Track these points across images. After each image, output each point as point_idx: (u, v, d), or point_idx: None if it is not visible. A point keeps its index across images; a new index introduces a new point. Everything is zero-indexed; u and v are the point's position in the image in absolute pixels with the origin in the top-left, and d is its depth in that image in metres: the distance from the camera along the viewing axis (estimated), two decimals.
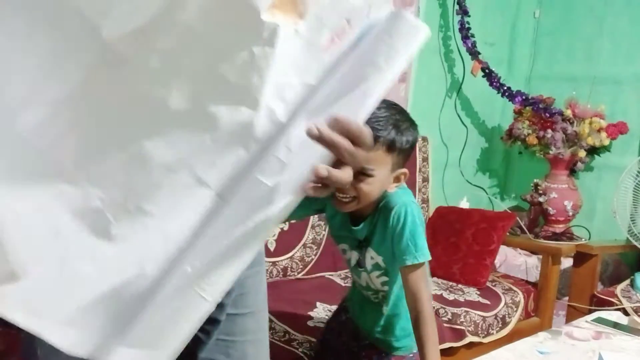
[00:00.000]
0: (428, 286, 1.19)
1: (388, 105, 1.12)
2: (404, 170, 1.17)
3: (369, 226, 1.21)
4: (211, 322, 0.84)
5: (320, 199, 1.20)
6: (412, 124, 1.14)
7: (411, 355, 1.31)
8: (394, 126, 1.09)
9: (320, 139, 0.52)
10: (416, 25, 0.54)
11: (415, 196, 2.54)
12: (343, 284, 2.02)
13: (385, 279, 1.27)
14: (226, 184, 0.55)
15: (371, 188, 1.11)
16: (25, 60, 0.48)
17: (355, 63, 0.55)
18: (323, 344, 1.48)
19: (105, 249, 0.53)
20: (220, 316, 0.84)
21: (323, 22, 0.54)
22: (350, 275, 1.40)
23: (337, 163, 0.55)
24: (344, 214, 1.23)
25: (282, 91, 0.54)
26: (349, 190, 1.10)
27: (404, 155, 1.14)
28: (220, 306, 0.82)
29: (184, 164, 0.53)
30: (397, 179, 1.16)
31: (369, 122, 1.02)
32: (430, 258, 1.16)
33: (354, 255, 1.29)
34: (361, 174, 1.08)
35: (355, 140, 0.54)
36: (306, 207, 1.27)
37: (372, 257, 1.25)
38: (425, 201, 2.61)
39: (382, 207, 1.18)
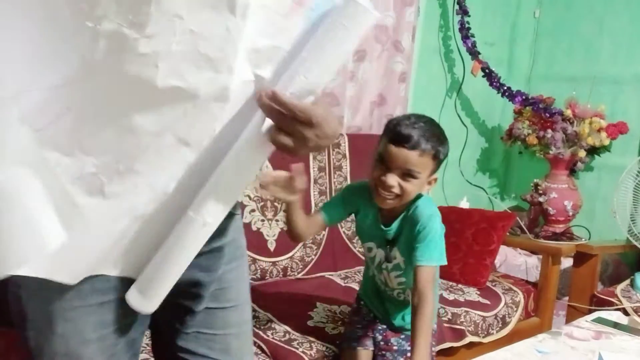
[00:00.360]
0: (435, 289, 1.36)
1: (429, 119, 1.33)
2: (436, 175, 1.36)
3: (398, 227, 1.38)
4: (186, 312, 0.86)
5: (353, 203, 1.44)
6: (446, 139, 1.32)
7: None
8: (437, 138, 1.28)
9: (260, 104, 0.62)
10: (368, 10, 0.62)
11: None
12: (343, 284, 2.02)
13: (402, 279, 1.43)
14: (204, 141, 0.63)
15: (414, 188, 1.29)
16: (23, 51, 0.54)
17: (316, 43, 0.62)
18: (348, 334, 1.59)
19: (101, 204, 0.62)
20: (196, 307, 0.86)
21: None
22: (351, 275, 1.50)
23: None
24: (375, 215, 1.40)
25: (251, 55, 0.61)
26: (394, 189, 1.26)
27: (439, 164, 1.33)
28: (197, 297, 0.85)
29: (168, 128, 0.61)
30: (429, 183, 1.35)
31: (418, 133, 1.23)
32: (440, 264, 1.33)
33: (379, 253, 1.43)
34: (409, 175, 1.26)
35: (297, 117, 0.62)
36: (341, 211, 1.45)
37: (395, 256, 1.40)
38: None
39: (411, 215, 1.35)
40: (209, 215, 0.66)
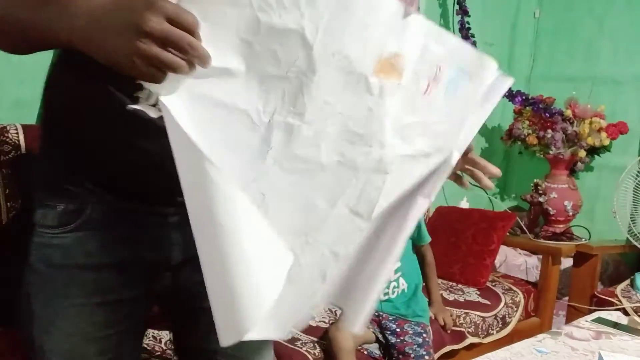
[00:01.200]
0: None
1: None
2: None
3: None
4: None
5: None
6: None
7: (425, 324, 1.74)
8: None
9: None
10: (503, 78, 0.76)
11: None
12: None
13: (397, 264, 1.70)
14: (373, 211, 0.74)
15: None
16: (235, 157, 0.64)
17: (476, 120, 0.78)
18: None
19: (298, 272, 0.72)
20: None
21: (419, 73, 0.70)
22: None
23: None
24: None
25: (399, 130, 0.71)
26: None
27: None
28: None
29: (340, 201, 0.71)
30: None
31: None
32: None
33: None
34: None
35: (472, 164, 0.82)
36: None
37: None
38: None
39: None
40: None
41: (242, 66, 0.61)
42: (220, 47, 0.58)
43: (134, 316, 0.82)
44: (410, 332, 1.67)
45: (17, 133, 1.45)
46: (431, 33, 0.69)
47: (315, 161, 0.68)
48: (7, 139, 1.43)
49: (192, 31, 0.54)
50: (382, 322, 1.70)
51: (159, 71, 0.54)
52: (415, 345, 1.63)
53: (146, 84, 0.57)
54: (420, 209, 0.78)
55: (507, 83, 0.77)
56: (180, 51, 0.53)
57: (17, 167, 1.41)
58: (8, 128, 1.44)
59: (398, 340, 1.65)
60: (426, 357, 1.62)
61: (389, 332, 1.68)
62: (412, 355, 1.61)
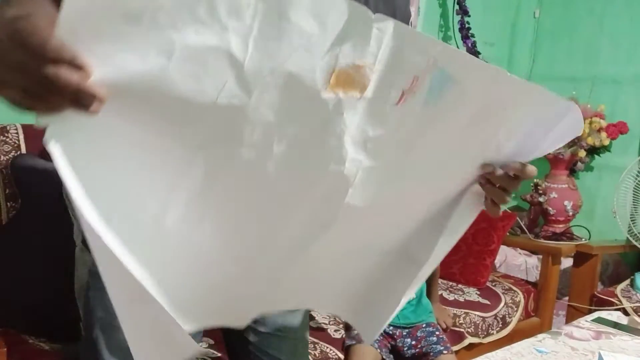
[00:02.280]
0: None
1: None
2: None
3: None
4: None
5: None
6: None
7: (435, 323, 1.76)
8: None
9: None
10: (572, 115, 0.71)
11: None
12: None
13: None
14: (334, 215, 0.68)
15: None
16: (158, 176, 0.58)
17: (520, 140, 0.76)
18: None
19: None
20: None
21: (390, 84, 0.59)
22: None
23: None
24: None
25: (362, 144, 0.63)
26: None
27: None
28: None
29: (303, 222, 0.67)
30: None
31: None
32: None
33: None
34: None
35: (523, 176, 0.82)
36: None
37: None
38: None
39: None
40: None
41: (156, 98, 0.50)
42: (125, 78, 0.47)
43: None
44: (425, 336, 1.69)
45: (17, 133, 1.45)
46: (408, 39, 0.58)
47: (260, 178, 0.61)
48: (7, 139, 1.43)
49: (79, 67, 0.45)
50: (398, 339, 1.70)
51: (39, 102, 0.46)
52: (432, 345, 1.66)
53: (39, 120, 0.46)
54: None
55: (575, 112, 0.72)
56: (67, 90, 0.45)
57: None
58: (8, 128, 1.44)
59: (416, 350, 1.68)
60: (444, 352, 1.64)
61: (406, 348, 1.69)
62: (432, 353, 1.64)
